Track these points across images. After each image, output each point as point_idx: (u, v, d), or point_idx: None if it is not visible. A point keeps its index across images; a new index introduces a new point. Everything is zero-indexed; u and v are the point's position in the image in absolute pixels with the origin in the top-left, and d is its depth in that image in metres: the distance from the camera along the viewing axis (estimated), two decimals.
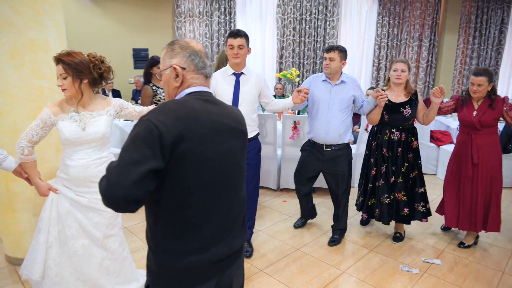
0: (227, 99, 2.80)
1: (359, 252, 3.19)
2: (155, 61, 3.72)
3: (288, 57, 7.62)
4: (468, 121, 3.10)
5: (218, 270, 1.27)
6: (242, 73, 2.86)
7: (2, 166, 2.11)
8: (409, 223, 3.31)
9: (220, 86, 2.85)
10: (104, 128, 2.15)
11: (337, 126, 3.11)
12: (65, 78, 2.03)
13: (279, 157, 4.57)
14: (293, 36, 7.54)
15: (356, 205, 3.54)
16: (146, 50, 7.58)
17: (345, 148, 3.20)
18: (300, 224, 3.65)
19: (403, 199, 3.21)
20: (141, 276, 2.54)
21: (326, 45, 7.54)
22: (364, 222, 3.67)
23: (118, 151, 4.62)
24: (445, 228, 3.58)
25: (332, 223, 3.41)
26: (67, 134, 2.07)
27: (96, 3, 7.20)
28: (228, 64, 2.90)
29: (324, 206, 4.14)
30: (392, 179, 3.23)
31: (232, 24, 7.55)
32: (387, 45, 7.70)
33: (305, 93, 2.84)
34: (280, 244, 3.32)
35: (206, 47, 7.15)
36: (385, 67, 7.77)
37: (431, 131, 5.44)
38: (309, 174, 3.34)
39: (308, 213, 3.63)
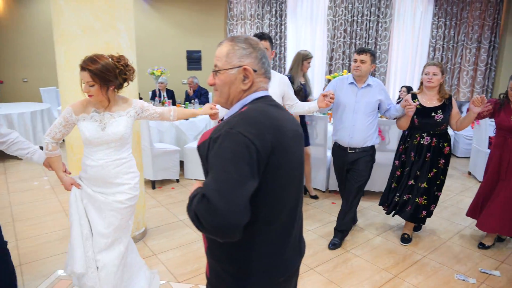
0: None
1: (412, 257, 3.14)
2: None
3: (338, 59, 7.57)
4: (505, 126, 3.05)
5: (289, 280, 1.25)
6: None
7: (33, 160, 2.28)
8: (424, 223, 3.37)
9: None
10: (124, 129, 2.17)
11: (362, 129, 3.10)
12: (92, 86, 2.03)
13: (329, 159, 4.58)
14: (344, 38, 7.48)
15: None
16: (199, 52, 7.88)
17: (370, 150, 3.18)
18: None
19: (423, 203, 3.20)
20: (151, 275, 2.54)
21: (378, 47, 7.41)
22: (416, 228, 3.60)
23: (173, 148, 4.86)
24: (498, 239, 3.44)
25: (336, 225, 3.35)
26: (87, 133, 2.12)
27: (153, 7, 7.60)
28: None
29: (374, 209, 4.10)
30: (411, 182, 3.21)
31: (282, 26, 7.64)
32: (443, 47, 7.41)
33: (330, 98, 2.79)
34: None
35: None
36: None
37: (490, 138, 5.16)
38: (341, 176, 3.38)
39: None
